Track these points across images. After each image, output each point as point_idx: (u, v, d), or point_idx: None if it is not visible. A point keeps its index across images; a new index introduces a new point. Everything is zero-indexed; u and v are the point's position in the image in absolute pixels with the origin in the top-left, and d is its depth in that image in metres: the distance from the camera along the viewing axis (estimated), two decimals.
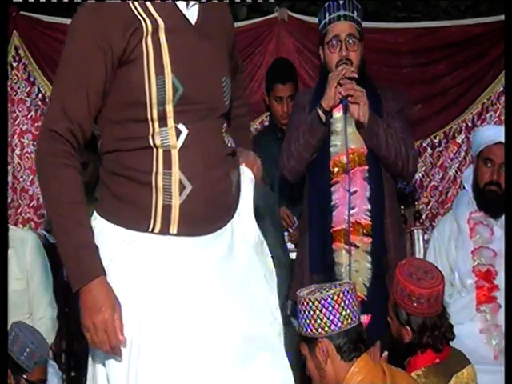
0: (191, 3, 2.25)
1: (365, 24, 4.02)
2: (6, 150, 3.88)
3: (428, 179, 5.28)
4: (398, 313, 3.12)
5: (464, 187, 4.18)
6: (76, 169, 2.20)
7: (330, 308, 2.95)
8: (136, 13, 2.19)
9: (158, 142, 2.20)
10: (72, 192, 2.18)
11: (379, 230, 3.70)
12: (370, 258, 3.66)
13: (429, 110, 5.24)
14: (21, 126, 5.17)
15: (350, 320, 2.95)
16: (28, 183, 5.19)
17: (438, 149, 5.26)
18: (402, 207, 4.65)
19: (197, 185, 2.21)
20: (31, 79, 5.16)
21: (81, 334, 3.75)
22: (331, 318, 2.93)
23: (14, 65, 5.13)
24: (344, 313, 2.94)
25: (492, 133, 4.06)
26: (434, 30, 5.27)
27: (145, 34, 2.18)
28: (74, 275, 2.17)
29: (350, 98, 3.62)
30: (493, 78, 5.13)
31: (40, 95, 5.17)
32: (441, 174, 5.25)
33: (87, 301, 2.14)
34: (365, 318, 3.52)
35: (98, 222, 2.25)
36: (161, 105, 2.19)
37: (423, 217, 5.20)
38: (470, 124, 5.23)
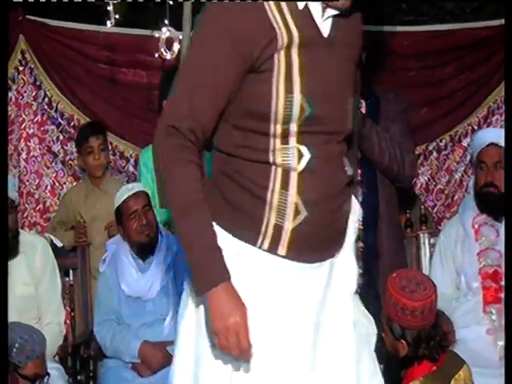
0: (327, 14, 2.15)
1: (370, 27, 4.07)
2: (6, 150, 3.86)
3: (434, 183, 5.29)
4: (392, 327, 3.07)
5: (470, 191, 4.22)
6: (200, 167, 2.14)
7: None
8: (273, 22, 2.09)
9: (278, 160, 2.13)
10: (200, 191, 2.12)
11: (372, 235, 3.68)
12: (361, 264, 3.45)
13: (435, 113, 5.25)
14: (27, 130, 5.18)
15: None
16: (34, 187, 5.21)
17: (443, 152, 5.27)
18: (408, 211, 4.65)
19: (312, 212, 2.14)
20: (37, 83, 5.18)
21: (87, 338, 3.81)
22: None
23: (21, 69, 5.15)
24: None
25: (483, 135, 4.13)
26: (440, 33, 5.30)
27: (279, 47, 2.09)
28: (202, 278, 2.10)
29: None
30: (499, 81, 5.15)
31: (46, 99, 5.19)
32: (447, 178, 5.28)
33: (218, 304, 2.09)
34: None
35: None
36: (285, 123, 2.11)
37: (429, 220, 5.06)
38: (476, 127, 5.26)
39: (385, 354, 3.11)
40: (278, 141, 2.13)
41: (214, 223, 2.15)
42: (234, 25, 2.09)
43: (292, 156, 2.13)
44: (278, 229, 2.14)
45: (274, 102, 2.10)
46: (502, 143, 3.80)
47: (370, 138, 3.63)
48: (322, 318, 2.24)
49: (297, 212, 2.14)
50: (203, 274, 2.10)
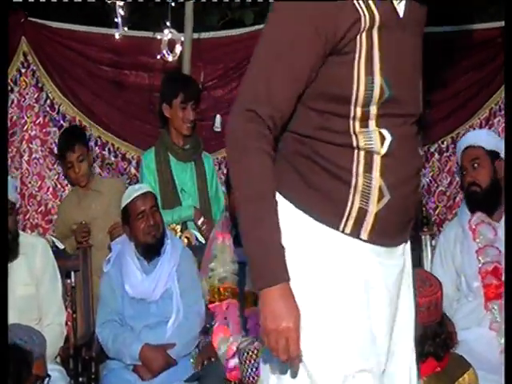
0: None
1: None
2: (6, 152, 3.87)
3: (436, 184, 5.31)
4: None
5: None
6: (273, 158, 2.09)
7: None
8: (356, 3, 2.04)
9: (361, 144, 2.09)
10: (271, 183, 2.07)
11: None
12: None
13: (436, 115, 5.25)
14: (29, 131, 5.20)
15: None
16: (36, 189, 5.22)
17: (445, 154, 5.30)
18: None
19: (394, 195, 2.10)
20: (39, 85, 5.19)
21: (89, 339, 3.81)
22: None
23: (23, 71, 5.16)
24: None
25: (460, 142, 4.30)
26: (442, 35, 5.29)
27: (361, 29, 2.04)
28: (261, 273, 2.06)
29: None
30: (501, 83, 5.13)
31: (48, 101, 5.21)
32: (448, 179, 5.29)
33: (272, 304, 2.04)
34: None
35: (280, 203, 2.11)
36: (366, 105, 2.07)
37: (431, 222, 5.13)
38: (477, 129, 5.27)
39: None
40: (357, 123, 2.09)
41: (291, 204, 2.12)
42: (316, 5, 2.01)
43: (375, 139, 2.10)
44: (363, 212, 2.11)
45: (356, 85, 2.06)
46: (478, 143, 4.09)
47: None
48: (399, 304, 2.22)
49: (381, 195, 2.11)
50: (263, 270, 2.06)
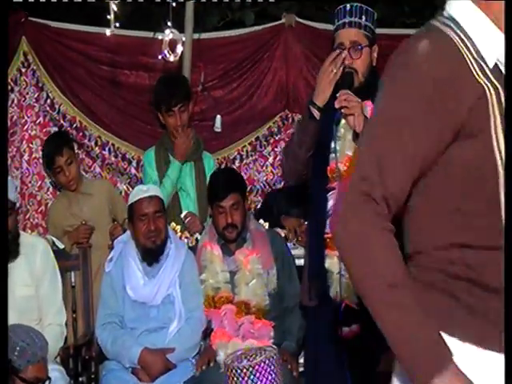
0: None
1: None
2: (6, 152, 3.88)
3: None
4: None
5: None
6: (395, 236, 1.83)
7: (258, 374, 3.23)
8: (476, 75, 1.81)
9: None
10: (403, 265, 1.82)
11: None
12: None
13: None
14: (29, 131, 5.19)
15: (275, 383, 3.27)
16: (36, 189, 5.22)
17: None
18: None
19: None
20: (40, 85, 5.19)
21: (89, 340, 3.83)
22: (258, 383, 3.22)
23: (23, 70, 5.16)
24: (270, 377, 3.26)
25: None
26: None
27: (490, 103, 1.80)
28: (424, 365, 1.77)
29: (344, 110, 3.55)
30: None
31: (49, 101, 5.20)
32: None
33: None
34: (355, 327, 3.58)
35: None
36: None
37: None
38: None
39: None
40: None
41: (445, 334, 1.82)
42: (437, 75, 1.79)
43: None
44: None
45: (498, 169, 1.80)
46: None
47: None
48: None
49: None
50: (425, 361, 1.76)
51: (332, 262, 3.64)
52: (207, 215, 4.70)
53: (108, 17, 4.67)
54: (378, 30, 4.58)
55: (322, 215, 3.65)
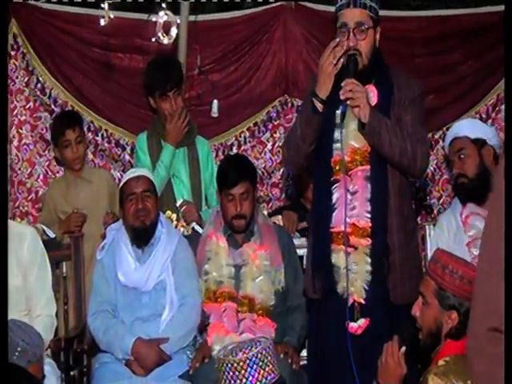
0: None
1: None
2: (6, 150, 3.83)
3: (440, 173, 5.25)
4: (444, 297, 3.10)
5: None
6: None
7: (255, 366, 3.24)
8: None
9: None
10: None
11: (380, 231, 3.63)
12: (369, 261, 3.61)
13: (442, 101, 5.19)
14: (19, 116, 5.12)
15: (273, 374, 3.27)
16: (26, 176, 5.15)
17: None
18: (413, 201, 4.54)
19: None
20: (30, 68, 5.12)
21: (80, 332, 3.76)
22: (256, 375, 3.24)
23: (12, 53, 5.08)
24: (267, 368, 3.25)
25: (447, 136, 4.35)
26: (449, 18, 5.24)
27: None
28: None
29: (349, 102, 3.54)
30: None
31: (39, 85, 5.13)
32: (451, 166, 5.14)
33: None
34: (362, 322, 3.59)
35: None
36: None
37: (435, 212, 5.16)
38: (484, 116, 5.21)
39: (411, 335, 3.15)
40: None
41: None
42: None
43: None
44: None
45: None
46: (463, 133, 4.13)
47: (379, 133, 3.56)
48: None
49: None
50: None
51: (338, 257, 3.62)
52: (202, 203, 4.68)
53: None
54: (382, 12, 4.59)
55: (326, 208, 3.64)
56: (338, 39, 3.56)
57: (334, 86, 3.56)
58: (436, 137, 5.21)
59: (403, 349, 3.11)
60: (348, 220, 3.58)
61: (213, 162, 4.83)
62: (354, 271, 3.60)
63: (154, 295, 4.13)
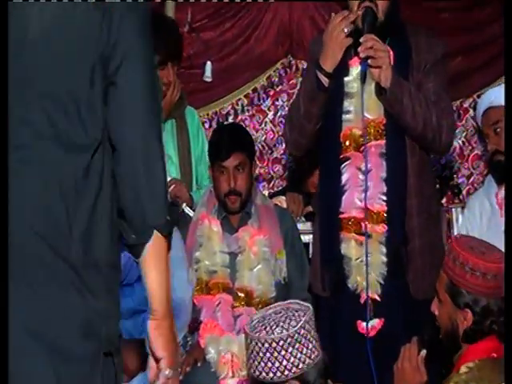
0: None
1: None
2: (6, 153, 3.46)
3: (470, 147, 5.05)
4: (456, 293, 2.93)
5: None
6: None
7: (298, 345, 2.91)
8: None
9: None
10: None
11: (398, 215, 3.48)
12: (385, 250, 3.45)
13: (471, 64, 4.96)
14: None
15: (317, 352, 2.95)
16: None
17: None
18: (437, 180, 4.51)
19: None
20: None
21: None
22: (299, 355, 2.90)
23: None
24: (311, 345, 2.92)
25: (479, 104, 4.22)
26: None
27: None
28: None
29: (370, 61, 3.35)
30: None
31: None
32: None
33: None
34: (376, 323, 3.47)
35: None
36: None
37: (463, 192, 4.97)
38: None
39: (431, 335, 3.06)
40: None
41: None
42: None
43: None
44: None
45: None
46: (500, 101, 3.83)
47: (401, 101, 3.39)
48: None
49: None
50: None
51: (349, 247, 3.50)
52: (192, 182, 4.46)
53: None
54: None
55: (334, 191, 3.51)
56: (347, 12, 3.44)
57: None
58: (465, 105, 5.00)
59: (423, 352, 2.95)
60: (360, 203, 3.46)
61: (204, 135, 4.58)
62: (367, 263, 3.46)
63: (137, 288, 3.79)
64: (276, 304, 3.19)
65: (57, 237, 1.93)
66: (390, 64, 3.37)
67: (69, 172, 1.91)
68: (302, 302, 3.13)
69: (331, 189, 3.54)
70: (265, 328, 2.93)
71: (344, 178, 3.49)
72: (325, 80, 3.44)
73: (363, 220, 3.45)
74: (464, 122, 4.97)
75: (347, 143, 3.48)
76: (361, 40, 3.35)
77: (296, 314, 2.96)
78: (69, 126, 1.91)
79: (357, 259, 3.47)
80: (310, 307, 3.04)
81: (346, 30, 3.38)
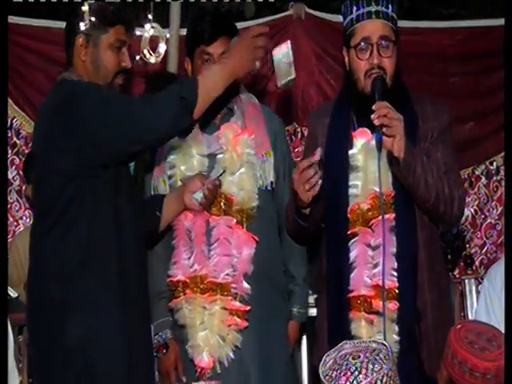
0: None
1: (402, 23, 3.80)
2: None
3: (482, 216, 5.08)
4: None
5: None
6: None
7: None
8: None
9: None
10: None
11: (410, 291, 3.40)
12: (397, 329, 3.36)
13: (483, 130, 5.03)
14: None
15: None
16: None
17: (495, 177, 5.05)
18: (449, 251, 4.54)
19: None
20: None
21: None
22: None
23: None
24: None
25: None
26: (488, 30, 5.05)
27: None
28: None
29: (385, 130, 3.24)
30: None
31: None
32: (499, 210, 5.05)
33: None
34: None
35: None
36: None
37: (476, 263, 4.94)
38: None
39: None
40: None
41: None
42: None
43: None
44: None
45: None
46: None
47: (414, 171, 3.32)
48: None
49: None
50: None
51: (358, 327, 3.41)
52: None
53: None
54: (409, 23, 4.60)
55: (342, 270, 3.44)
56: (317, 157, 3.27)
57: (340, 114, 3.46)
58: (477, 173, 5.04)
59: None
60: (369, 281, 3.38)
61: None
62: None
63: None
64: (358, 345, 2.98)
65: None
66: (403, 134, 3.28)
67: None
68: (382, 342, 2.97)
69: (339, 266, 3.48)
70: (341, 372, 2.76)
71: (352, 255, 3.41)
72: (303, 223, 3.44)
73: (373, 298, 3.39)
74: (476, 189, 4.98)
75: (354, 219, 3.41)
76: (373, 107, 3.25)
77: (378, 359, 2.82)
78: None
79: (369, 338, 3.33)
80: (389, 347, 2.87)
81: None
